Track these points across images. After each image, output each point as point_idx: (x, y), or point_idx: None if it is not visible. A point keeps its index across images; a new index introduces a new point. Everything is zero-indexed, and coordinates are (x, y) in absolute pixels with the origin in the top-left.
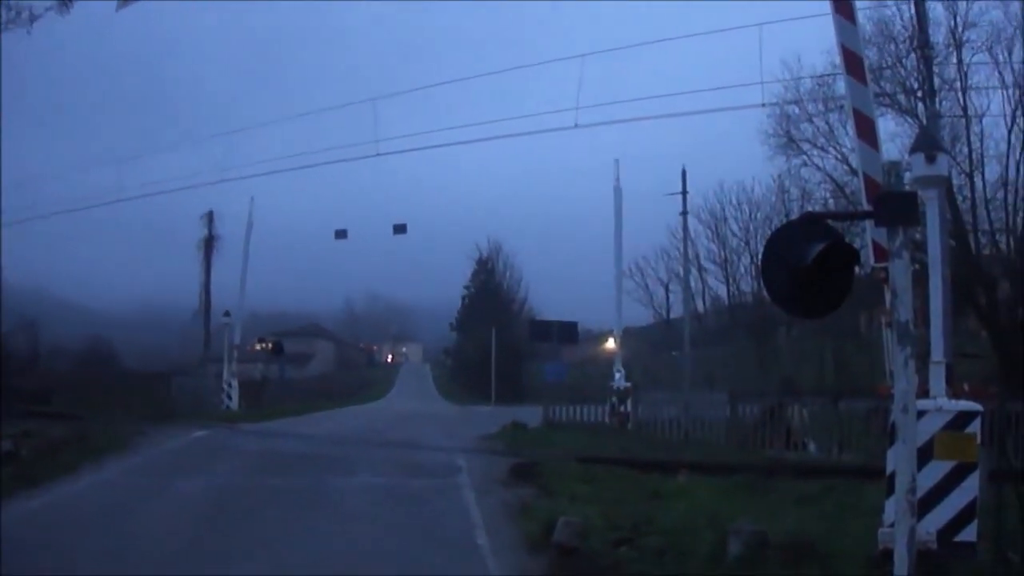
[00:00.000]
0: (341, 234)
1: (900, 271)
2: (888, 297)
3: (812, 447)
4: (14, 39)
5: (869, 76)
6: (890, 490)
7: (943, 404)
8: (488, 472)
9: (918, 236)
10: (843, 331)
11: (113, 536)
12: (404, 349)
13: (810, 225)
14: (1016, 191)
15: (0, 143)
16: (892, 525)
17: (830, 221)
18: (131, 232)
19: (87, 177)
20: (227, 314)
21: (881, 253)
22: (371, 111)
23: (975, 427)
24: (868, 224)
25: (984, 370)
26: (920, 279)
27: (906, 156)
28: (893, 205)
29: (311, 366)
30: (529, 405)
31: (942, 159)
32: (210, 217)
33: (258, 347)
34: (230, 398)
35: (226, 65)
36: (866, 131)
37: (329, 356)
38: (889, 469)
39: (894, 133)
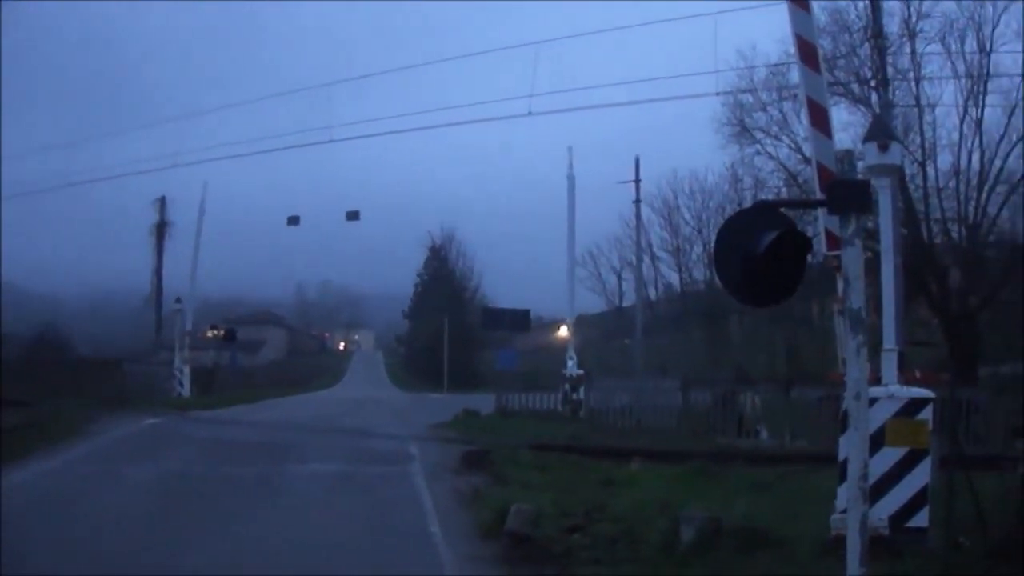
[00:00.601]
0: (294, 220)
1: (852, 259)
2: (840, 285)
3: (764, 434)
4: None
5: (823, 65)
6: (842, 477)
7: (895, 391)
8: (440, 460)
9: (870, 224)
10: (795, 319)
11: (64, 523)
12: (356, 336)
13: (762, 213)
14: (968, 180)
15: None
16: (844, 511)
17: (783, 209)
18: (82, 218)
19: (38, 161)
20: (178, 301)
21: (834, 241)
22: (325, 97)
23: (927, 414)
24: (821, 212)
25: (936, 358)
26: (872, 267)
27: (859, 145)
28: (845, 193)
29: (263, 353)
30: (482, 393)
31: (895, 148)
32: (162, 202)
33: (210, 334)
34: (182, 385)
35: (179, 49)
36: (819, 120)
37: (281, 343)
38: (841, 456)
39: (847, 123)
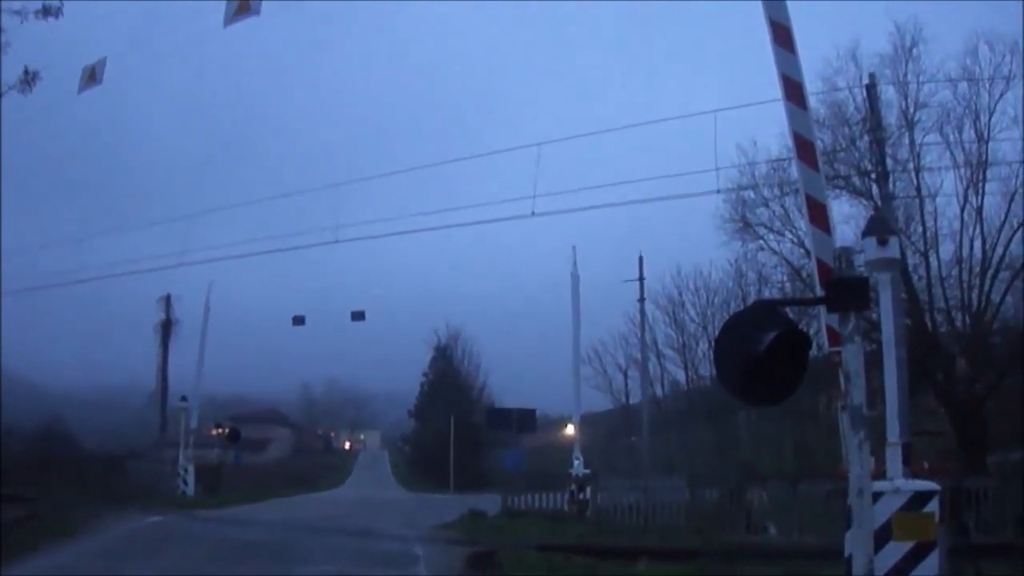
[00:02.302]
0: (299, 320)
1: (852, 355)
2: (842, 380)
3: (772, 530)
4: None
5: (821, 160)
6: (848, 573)
7: (900, 485)
8: (446, 561)
9: (874, 317)
10: (802, 413)
11: None
12: (362, 436)
13: (762, 312)
14: (970, 268)
15: None
16: None
17: (782, 307)
18: (89, 312)
19: (45, 256)
20: (184, 399)
21: (835, 337)
22: (331, 197)
23: (933, 506)
24: (821, 309)
25: (944, 447)
26: (876, 360)
27: (859, 239)
28: (844, 290)
29: (268, 451)
30: (488, 492)
31: (894, 242)
32: (168, 300)
33: (215, 432)
34: (186, 483)
35: (186, 149)
36: (818, 216)
37: (286, 442)
38: (847, 552)
39: (848, 215)
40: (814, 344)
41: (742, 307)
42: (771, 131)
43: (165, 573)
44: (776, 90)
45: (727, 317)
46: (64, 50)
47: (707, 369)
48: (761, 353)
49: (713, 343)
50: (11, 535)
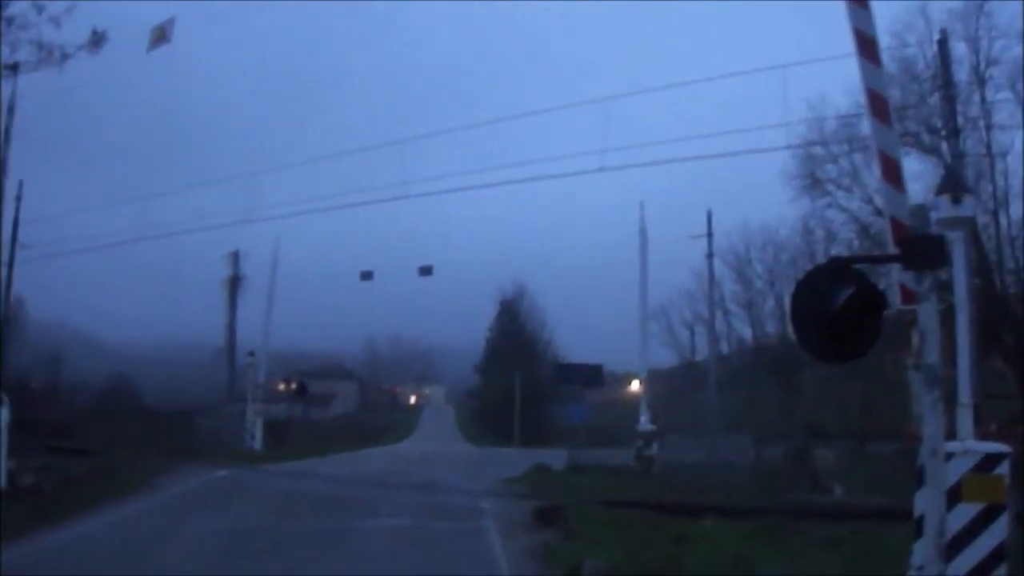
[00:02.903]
0: (367, 275)
1: (928, 314)
2: (915, 339)
3: (838, 490)
4: (45, 78)
5: (894, 118)
6: (918, 533)
7: (971, 446)
8: (512, 515)
9: (943, 276)
10: (868, 372)
11: (135, 574)
12: (427, 391)
13: (837, 270)
14: None
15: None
16: (920, 568)
17: (857, 265)
18: (155, 270)
19: (112, 214)
20: (251, 354)
21: (907, 295)
22: (399, 153)
23: (1004, 469)
24: (895, 267)
25: (1012, 411)
26: (946, 320)
27: (930, 196)
28: (920, 248)
29: (334, 406)
30: (552, 447)
31: (968, 200)
32: (235, 256)
33: (281, 387)
34: (253, 437)
35: (254, 105)
36: (892, 173)
37: (352, 397)
38: (917, 512)
39: (918, 173)
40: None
41: (810, 264)
42: (840, 87)
43: (235, 525)
44: (846, 45)
45: (795, 274)
46: (129, 12)
47: (774, 326)
48: (837, 310)
49: (790, 300)
50: (82, 488)
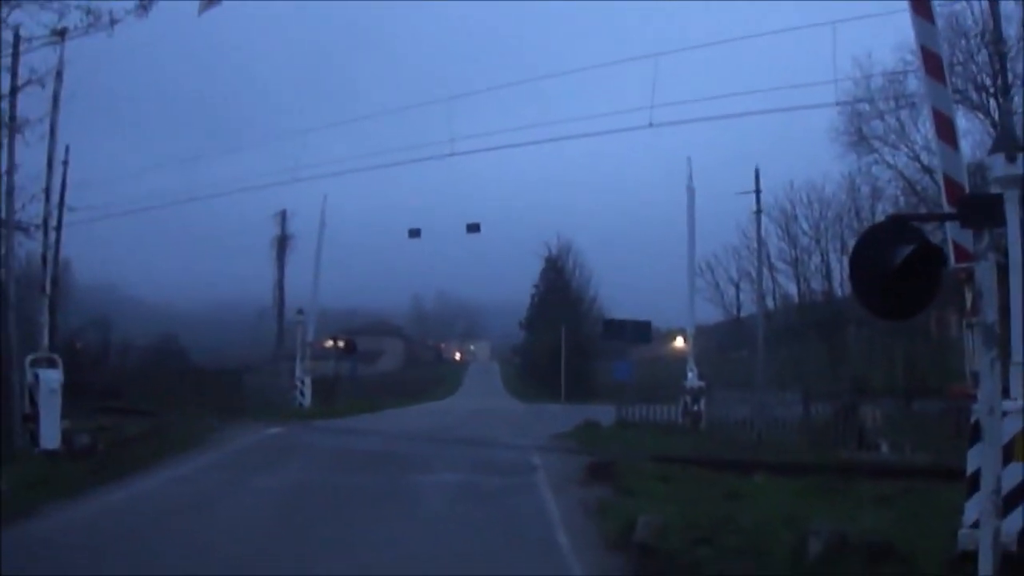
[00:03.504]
0: (415, 233)
1: (986, 273)
2: (969, 298)
3: (884, 447)
4: (94, 42)
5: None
6: (971, 491)
7: None
8: (564, 471)
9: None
10: (914, 331)
11: (196, 530)
12: (472, 347)
13: (896, 228)
14: None
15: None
16: (973, 526)
17: (916, 222)
18: (202, 231)
19: (160, 177)
20: (300, 312)
21: (962, 254)
22: (445, 110)
23: None
24: (949, 225)
25: None
26: (998, 279)
27: (977, 153)
28: (978, 207)
29: (381, 363)
30: (600, 403)
31: (1022, 158)
32: (283, 216)
33: (329, 344)
34: (303, 395)
35: (300, 64)
36: (946, 132)
37: (398, 353)
38: (970, 469)
39: (965, 130)
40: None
41: (856, 222)
42: (887, 44)
43: (294, 481)
44: (895, 3)
45: (841, 232)
46: None
47: (819, 283)
48: (897, 267)
49: (849, 257)
50: (137, 448)
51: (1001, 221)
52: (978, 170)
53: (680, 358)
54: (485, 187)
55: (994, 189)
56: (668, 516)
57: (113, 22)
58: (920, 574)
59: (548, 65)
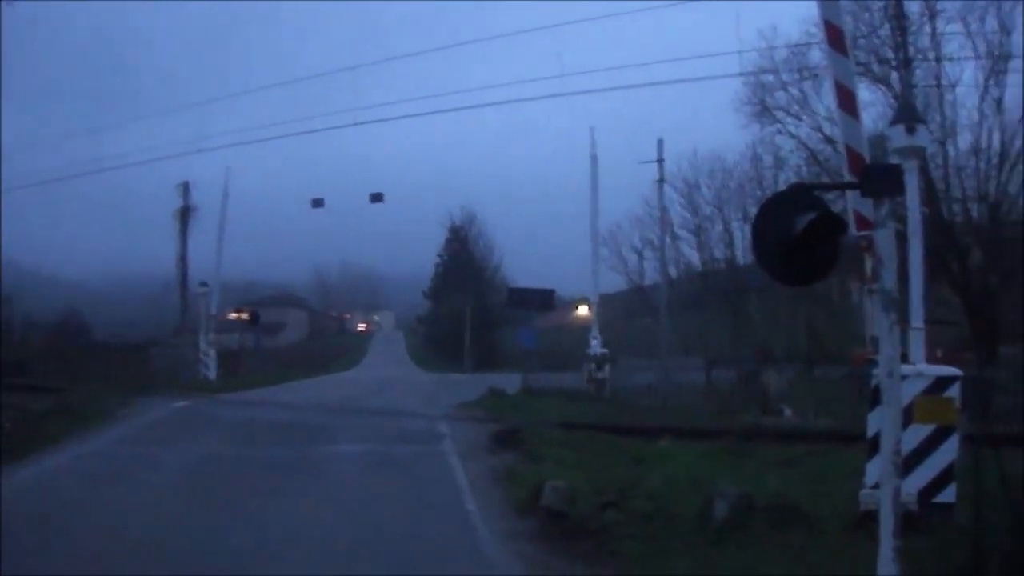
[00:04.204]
0: (318, 203)
1: (885, 240)
2: (869, 265)
3: (787, 412)
4: None
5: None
6: (872, 452)
7: (922, 369)
8: (471, 438)
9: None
10: (815, 298)
11: (106, 506)
12: (377, 317)
13: (798, 196)
14: (988, 159)
15: None
16: (875, 487)
17: (817, 192)
18: (104, 203)
19: (62, 148)
20: (204, 284)
21: (862, 222)
22: (350, 80)
23: (954, 391)
24: (850, 194)
25: (957, 337)
26: (897, 246)
27: (879, 125)
28: (879, 176)
29: (285, 335)
30: (504, 372)
31: (921, 130)
32: (186, 187)
33: (233, 316)
34: (208, 368)
35: (205, 35)
36: (848, 103)
37: (303, 325)
38: (871, 432)
39: (867, 102)
40: None
41: (759, 191)
42: (791, 16)
43: (201, 455)
44: None
45: (743, 201)
46: None
47: (722, 252)
48: (798, 235)
49: (751, 225)
50: (44, 425)
51: (900, 190)
52: (879, 141)
53: (584, 326)
54: (390, 157)
55: (893, 159)
56: (575, 481)
57: None
58: (824, 534)
59: (455, 34)
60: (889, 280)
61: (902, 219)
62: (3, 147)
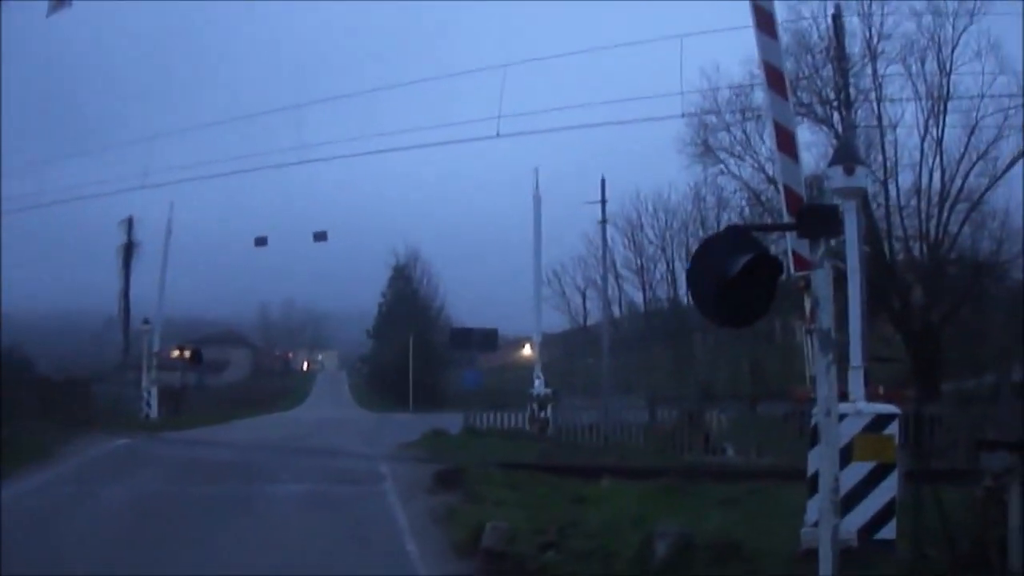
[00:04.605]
0: (261, 241)
1: (822, 280)
2: (808, 305)
3: (730, 451)
4: None
5: (790, 90)
6: (812, 491)
7: (862, 407)
8: (412, 479)
9: (836, 244)
10: (758, 336)
11: (42, 545)
12: (320, 356)
13: (734, 237)
14: (929, 198)
15: None
16: (815, 525)
17: (754, 233)
18: (46, 237)
19: (3, 181)
20: (146, 321)
21: (801, 262)
22: (294, 118)
23: (893, 429)
24: (789, 235)
25: (898, 374)
26: (838, 285)
27: (822, 165)
28: (816, 217)
29: (227, 373)
30: (448, 412)
31: (860, 171)
32: (129, 223)
33: (175, 354)
34: (149, 406)
35: (147, 69)
36: (787, 144)
37: (246, 363)
38: (811, 470)
39: (810, 143)
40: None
41: (701, 231)
42: (734, 57)
43: (139, 494)
44: (741, 17)
45: (687, 240)
46: None
47: (665, 291)
48: (734, 276)
49: (687, 265)
50: None
51: (837, 231)
52: (817, 181)
53: (528, 366)
54: (333, 196)
55: (834, 200)
56: (515, 521)
57: None
58: (765, 572)
59: (399, 74)
60: (826, 320)
61: (842, 258)
62: None
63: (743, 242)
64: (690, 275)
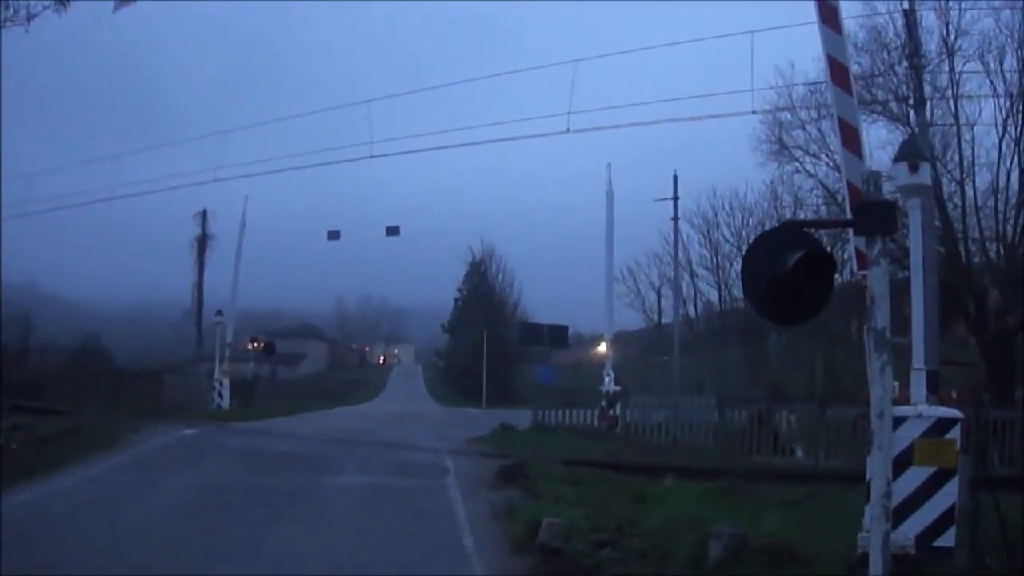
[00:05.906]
0: (334, 235)
1: (877, 279)
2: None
3: (799, 452)
4: (12, 36)
5: (857, 85)
6: (869, 495)
7: (923, 411)
8: (475, 473)
9: (906, 243)
10: (833, 337)
11: (102, 531)
12: (396, 350)
13: (788, 233)
14: (1006, 199)
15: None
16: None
17: (809, 229)
18: (124, 230)
19: (82, 174)
20: (219, 313)
21: (864, 261)
22: (366, 113)
23: (955, 434)
24: (851, 232)
25: (974, 377)
26: (908, 286)
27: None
28: (871, 214)
29: (303, 366)
30: (520, 408)
31: (925, 168)
32: (203, 216)
33: (250, 346)
34: (221, 397)
35: (222, 65)
36: (850, 140)
37: (321, 356)
38: (868, 475)
39: (886, 140)
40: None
41: None
42: (808, 53)
43: (202, 482)
44: (814, 13)
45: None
46: None
47: (740, 290)
48: (786, 272)
49: (741, 261)
50: (51, 447)
51: (893, 228)
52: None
53: (600, 363)
54: (407, 191)
55: (899, 197)
56: (573, 519)
57: (30, 16)
58: (818, 575)
59: (470, 70)
60: (880, 319)
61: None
62: (26, 175)
63: (796, 238)
64: (743, 270)
